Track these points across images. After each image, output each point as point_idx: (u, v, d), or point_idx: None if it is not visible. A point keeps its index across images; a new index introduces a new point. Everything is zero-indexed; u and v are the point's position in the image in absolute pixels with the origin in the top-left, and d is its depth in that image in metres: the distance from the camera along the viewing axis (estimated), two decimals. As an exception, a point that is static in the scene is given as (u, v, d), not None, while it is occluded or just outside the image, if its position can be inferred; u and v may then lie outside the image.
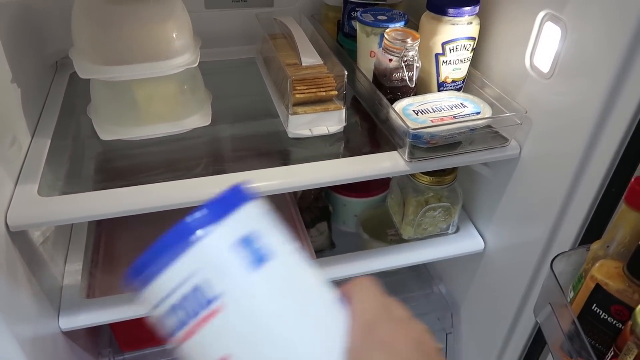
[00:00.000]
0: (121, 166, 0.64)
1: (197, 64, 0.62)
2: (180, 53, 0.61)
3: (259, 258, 0.26)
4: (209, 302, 0.25)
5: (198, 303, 0.25)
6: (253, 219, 0.27)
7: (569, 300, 0.46)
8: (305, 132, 0.66)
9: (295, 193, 0.91)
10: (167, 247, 0.25)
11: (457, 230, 0.80)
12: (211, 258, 0.25)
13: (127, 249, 0.81)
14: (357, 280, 0.30)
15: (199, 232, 0.25)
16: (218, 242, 0.25)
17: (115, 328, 0.81)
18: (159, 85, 0.62)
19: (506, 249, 0.74)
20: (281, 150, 0.66)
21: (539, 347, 0.71)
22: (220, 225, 0.25)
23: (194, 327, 0.25)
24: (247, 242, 0.26)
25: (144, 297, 0.26)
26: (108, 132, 0.63)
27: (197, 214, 0.25)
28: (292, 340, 0.26)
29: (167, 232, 0.25)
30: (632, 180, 0.42)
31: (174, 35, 0.60)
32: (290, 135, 0.66)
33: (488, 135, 0.65)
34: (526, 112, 0.62)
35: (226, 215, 0.26)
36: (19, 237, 0.56)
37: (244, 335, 0.25)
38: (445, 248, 0.77)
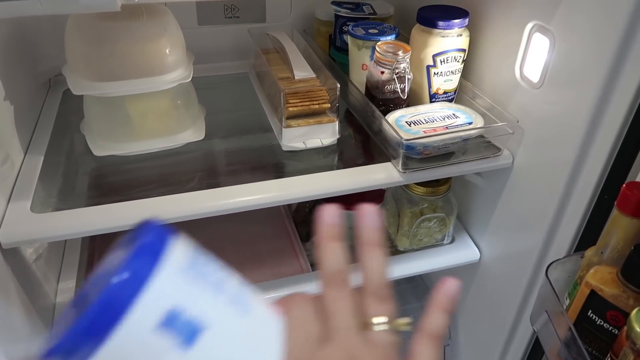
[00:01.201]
0: (115, 182, 0.63)
1: (190, 79, 0.62)
2: (173, 68, 0.62)
3: (189, 334, 0.22)
4: None
5: None
6: (173, 286, 0.22)
7: (565, 307, 0.46)
8: (299, 145, 0.66)
9: (290, 206, 0.91)
10: (81, 341, 0.21)
11: (452, 241, 0.80)
12: (133, 351, 0.21)
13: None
14: (288, 301, 0.28)
15: (114, 320, 0.21)
16: (138, 329, 0.21)
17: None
18: (152, 100, 0.62)
19: (502, 258, 0.74)
20: (275, 164, 0.66)
21: (538, 356, 0.70)
22: (138, 303, 0.21)
23: None
24: (172, 318, 0.22)
25: None
26: (101, 148, 0.63)
27: (111, 291, 0.21)
28: None
29: (79, 318, 0.21)
30: (624, 185, 0.43)
31: (167, 51, 0.60)
32: (284, 149, 0.66)
33: (481, 145, 0.66)
34: (518, 122, 0.63)
35: (144, 285, 0.21)
36: (11, 255, 0.55)
37: None
38: (441, 259, 0.77)
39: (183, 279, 0.23)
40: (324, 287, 0.28)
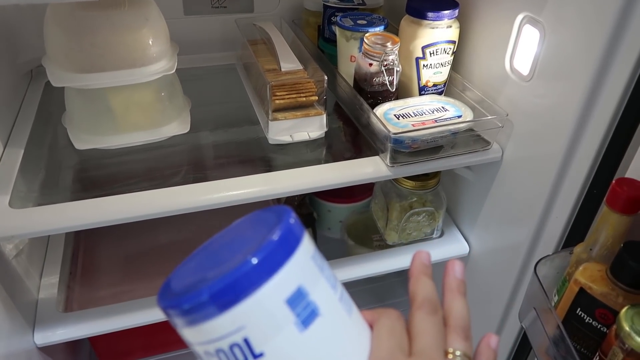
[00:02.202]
0: (98, 176, 0.62)
1: (174, 70, 0.61)
2: (156, 60, 0.60)
3: (307, 316, 0.24)
4: (255, 357, 0.24)
5: (243, 354, 0.24)
6: (304, 268, 0.25)
7: (553, 304, 0.45)
8: (286, 138, 0.65)
9: (278, 200, 0.90)
10: (224, 292, 0.23)
11: (441, 235, 0.79)
12: (266, 315, 0.24)
13: (106, 261, 0.79)
14: (381, 313, 0.29)
15: (259, 282, 0.23)
16: (274, 298, 0.24)
17: (95, 342, 0.79)
18: (135, 92, 0.60)
19: (491, 252, 0.73)
20: (262, 157, 0.65)
21: (525, 352, 0.70)
22: (278, 275, 0.24)
23: None
24: (298, 297, 0.24)
25: (186, 329, 0.24)
26: (83, 142, 0.62)
27: (257, 259, 0.23)
28: None
29: (225, 274, 0.23)
30: (613, 181, 0.42)
31: (150, 42, 0.59)
32: (270, 142, 0.65)
33: (470, 138, 0.65)
34: (507, 115, 0.62)
35: (284, 264, 0.24)
36: (-10, 251, 0.54)
37: None
38: (430, 253, 0.76)
39: (311, 264, 0.26)
40: (415, 310, 0.30)
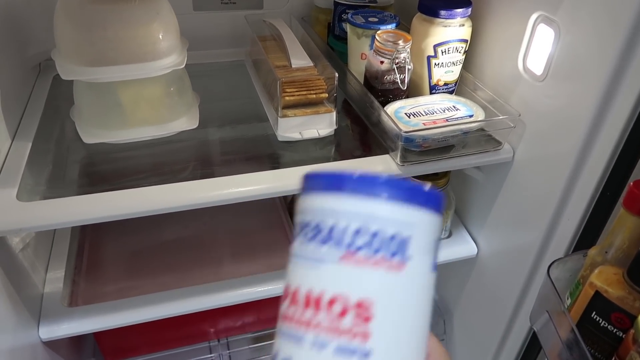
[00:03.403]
0: (105, 170, 0.62)
1: (184, 65, 0.60)
2: (166, 54, 0.59)
3: (434, 265, 0.26)
4: (394, 254, 0.24)
5: (388, 249, 0.24)
6: (438, 230, 0.26)
7: (566, 307, 0.45)
8: (295, 136, 0.64)
9: (285, 197, 0.90)
10: (408, 189, 0.24)
11: (449, 235, 0.79)
12: (429, 230, 0.25)
13: (112, 257, 0.79)
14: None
15: (435, 207, 0.24)
16: (434, 227, 0.25)
17: (100, 338, 0.79)
18: (144, 87, 0.60)
19: (499, 253, 0.73)
20: (271, 154, 0.65)
21: (533, 354, 0.69)
22: (438, 215, 0.25)
23: (367, 261, 0.23)
24: (435, 246, 0.26)
25: (342, 202, 0.24)
26: (92, 136, 0.61)
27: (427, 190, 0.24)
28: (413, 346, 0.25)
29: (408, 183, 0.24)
30: (631, 184, 0.41)
31: (160, 36, 0.58)
32: (279, 139, 0.64)
33: (481, 138, 0.64)
34: (519, 115, 0.62)
35: (441, 210, 0.26)
36: (-3, 244, 0.53)
37: (397, 304, 0.24)
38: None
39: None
40: None
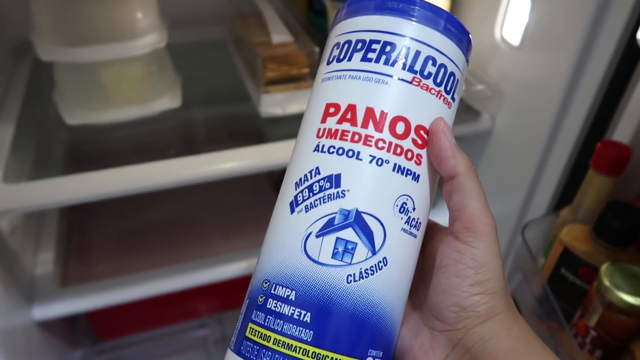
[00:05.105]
0: (90, 150, 0.62)
1: (164, 44, 0.60)
2: (146, 33, 0.59)
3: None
4: (448, 92, 0.25)
5: (447, 85, 0.24)
6: None
7: (540, 266, 0.47)
8: (278, 111, 0.65)
9: (272, 175, 0.91)
10: (469, 42, 0.25)
11: (433, 206, 0.80)
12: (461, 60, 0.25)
13: (101, 238, 0.79)
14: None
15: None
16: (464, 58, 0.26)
17: (93, 317, 0.80)
18: (125, 66, 0.60)
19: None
20: (255, 131, 0.65)
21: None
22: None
23: (432, 89, 0.24)
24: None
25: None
26: (75, 117, 0.61)
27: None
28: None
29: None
30: (599, 144, 0.43)
31: (139, 15, 0.58)
32: (262, 115, 0.65)
33: (460, 108, 0.65)
34: (497, 85, 0.63)
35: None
36: (-15, 227, 0.54)
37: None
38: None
39: None
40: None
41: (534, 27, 0.57)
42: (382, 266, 0.23)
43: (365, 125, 0.23)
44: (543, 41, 0.56)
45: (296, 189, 0.24)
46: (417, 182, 0.24)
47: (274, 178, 0.91)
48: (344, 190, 0.23)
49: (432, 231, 0.28)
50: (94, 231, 0.80)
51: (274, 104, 0.65)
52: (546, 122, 0.57)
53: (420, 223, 0.25)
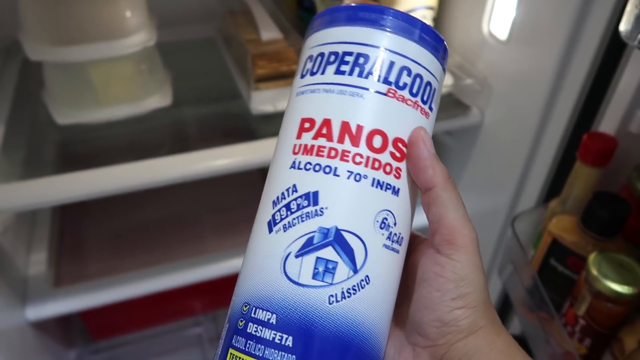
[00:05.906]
0: (81, 150, 0.62)
1: (154, 42, 0.60)
2: (135, 31, 0.59)
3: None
4: (425, 102, 0.24)
5: (423, 94, 0.24)
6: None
7: (530, 257, 0.47)
8: (268, 108, 0.65)
9: (264, 172, 0.91)
10: (445, 50, 0.25)
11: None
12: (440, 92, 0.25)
13: (94, 238, 0.79)
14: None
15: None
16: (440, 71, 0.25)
17: (87, 317, 0.80)
18: (114, 65, 0.60)
19: (472, 216, 0.75)
20: (246, 129, 0.66)
21: (506, 311, 0.73)
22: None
23: (408, 100, 0.23)
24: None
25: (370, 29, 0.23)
26: (65, 116, 0.61)
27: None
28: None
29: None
30: (585, 136, 0.44)
31: (127, 13, 0.58)
32: (253, 112, 0.65)
33: (450, 103, 0.66)
34: (486, 79, 0.63)
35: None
36: (-24, 227, 0.54)
37: None
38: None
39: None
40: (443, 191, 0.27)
41: (521, 21, 0.57)
42: (364, 285, 0.22)
43: (341, 140, 0.23)
44: (530, 35, 0.56)
45: (274, 208, 0.24)
46: (397, 196, 0.23)
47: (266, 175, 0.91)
48: (322, 208, 0.22)
49: (414, 243, 0.27)
50: (87, 231, 0.80)
51: (265, 101, 0.65)
52: (534, 115, 0.57)
53: (402, 238, 0.24)
